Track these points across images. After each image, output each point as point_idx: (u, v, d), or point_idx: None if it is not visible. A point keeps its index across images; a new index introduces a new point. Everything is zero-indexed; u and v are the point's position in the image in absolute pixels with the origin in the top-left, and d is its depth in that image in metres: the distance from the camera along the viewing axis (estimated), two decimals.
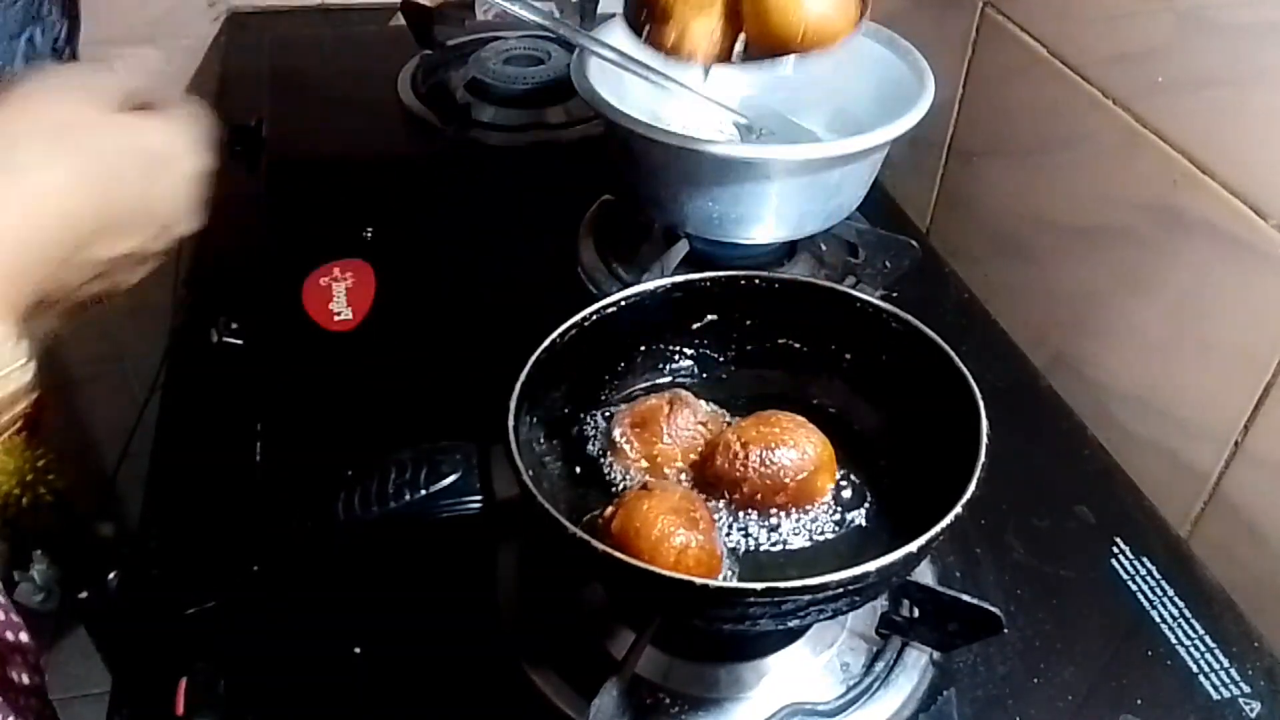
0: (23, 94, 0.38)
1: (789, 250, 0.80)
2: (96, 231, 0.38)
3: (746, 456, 0.50)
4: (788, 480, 0.50)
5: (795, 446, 0.50)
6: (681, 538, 0.46)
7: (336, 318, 0.75)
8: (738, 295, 0.57)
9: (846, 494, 0.53)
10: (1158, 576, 0.59)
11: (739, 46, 0.51)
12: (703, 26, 0.51)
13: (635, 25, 0.56)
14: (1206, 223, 0.63)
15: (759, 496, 0.51)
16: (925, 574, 0.58)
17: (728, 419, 0.56)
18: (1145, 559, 0.60)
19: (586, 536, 0.42)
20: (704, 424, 0.54)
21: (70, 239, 0.37)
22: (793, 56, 0.53)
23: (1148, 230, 0.68)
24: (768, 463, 0.50)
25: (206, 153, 0.43)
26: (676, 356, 0.60)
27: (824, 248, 0.80)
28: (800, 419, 0.52)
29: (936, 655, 0.54)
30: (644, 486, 0.50)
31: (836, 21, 0.50)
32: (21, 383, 0.35)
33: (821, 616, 0.45)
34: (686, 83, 0.68)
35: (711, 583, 0.44)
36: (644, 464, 0.53)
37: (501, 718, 0.52)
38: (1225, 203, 0.61)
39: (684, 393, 0.55)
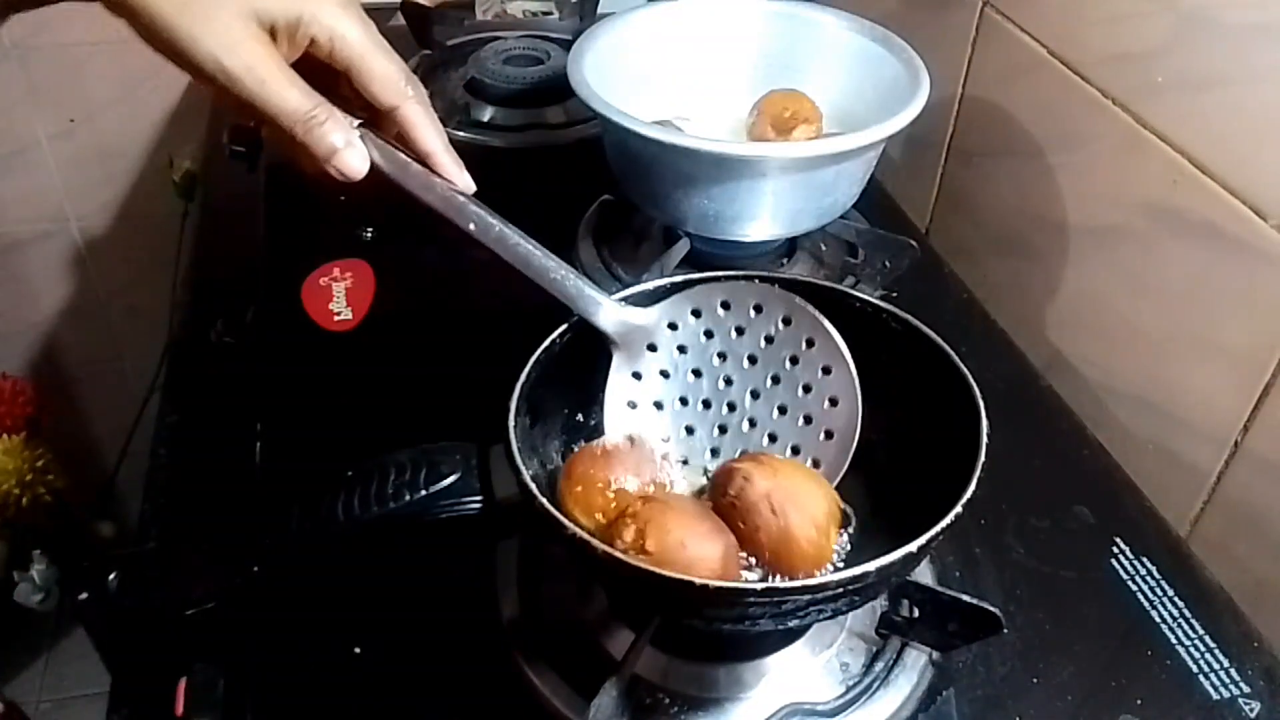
0: None
1: (788, 250, 0.80)
2: None
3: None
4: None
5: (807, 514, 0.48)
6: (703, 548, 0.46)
7: (336, 318, 0.75)
8: None
9: (846, 494, 0.53)
10: (1157, 576, 0.59)
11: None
12: None
13: None
14: (1206, 223, 0.63)
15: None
16: (925, 574, 0.58)
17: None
18: (1145, 559, 0.60)
19: (586, 537, 0.42)
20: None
21: None
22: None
23: (1148, 230, 0.68)
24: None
25: None
26: None
27: (823, 248, 0.80)
28: (811, 471, 0.51)
29: (936, 655, 0.54)
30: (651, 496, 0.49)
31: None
32: None
33: (821, 616, 0.45)
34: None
35: (711, 583, 0.43)
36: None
37: (501, 718, 0.52)
38: (1225, 203, 0.61)
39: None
